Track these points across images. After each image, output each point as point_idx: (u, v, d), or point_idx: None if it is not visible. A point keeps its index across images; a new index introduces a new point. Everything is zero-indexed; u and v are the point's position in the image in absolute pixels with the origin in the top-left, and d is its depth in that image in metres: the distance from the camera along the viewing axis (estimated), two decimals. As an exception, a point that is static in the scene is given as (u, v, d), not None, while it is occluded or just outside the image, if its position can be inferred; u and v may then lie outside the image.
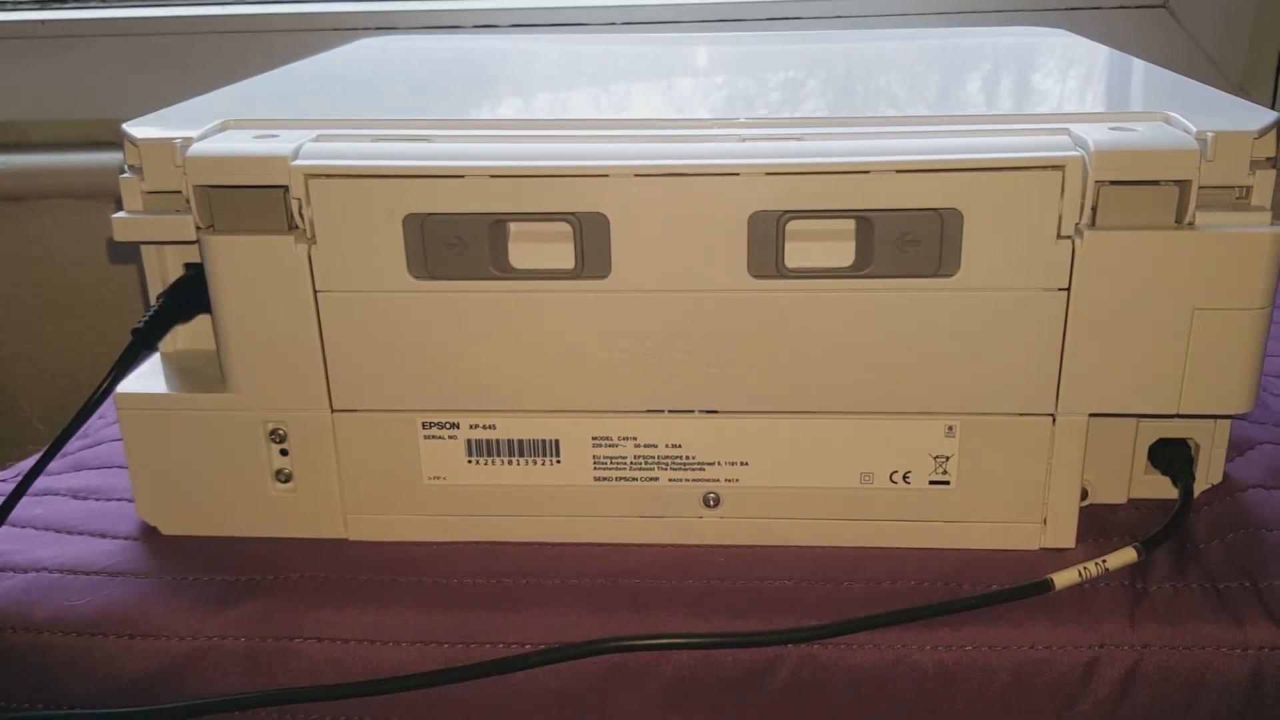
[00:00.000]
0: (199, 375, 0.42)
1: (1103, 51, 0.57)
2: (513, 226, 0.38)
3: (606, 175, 0.36)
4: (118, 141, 0.40)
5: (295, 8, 0.85)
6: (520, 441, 0.41)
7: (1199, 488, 0.42)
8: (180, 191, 0.38)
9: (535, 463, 0.41)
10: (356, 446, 0.41)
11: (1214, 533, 0.41)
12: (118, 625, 0.39)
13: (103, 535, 0.43)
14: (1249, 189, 0.37)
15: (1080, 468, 0.40)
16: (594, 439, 0.40)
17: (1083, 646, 0.37)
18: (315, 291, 0.39)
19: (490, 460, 0.41)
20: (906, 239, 0.37)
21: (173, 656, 0.38)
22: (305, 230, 0.38)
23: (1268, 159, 0.36)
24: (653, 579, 0.40)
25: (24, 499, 0.42)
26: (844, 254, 0.38)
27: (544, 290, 0.38)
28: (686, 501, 0.41)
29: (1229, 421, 0.42)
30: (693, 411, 0.40)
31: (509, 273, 0.38)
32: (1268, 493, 0.43)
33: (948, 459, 0.40)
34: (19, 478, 0.41)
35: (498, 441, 0.41)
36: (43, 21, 0.85)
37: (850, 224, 0.37)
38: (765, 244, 0.37)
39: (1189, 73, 0.49)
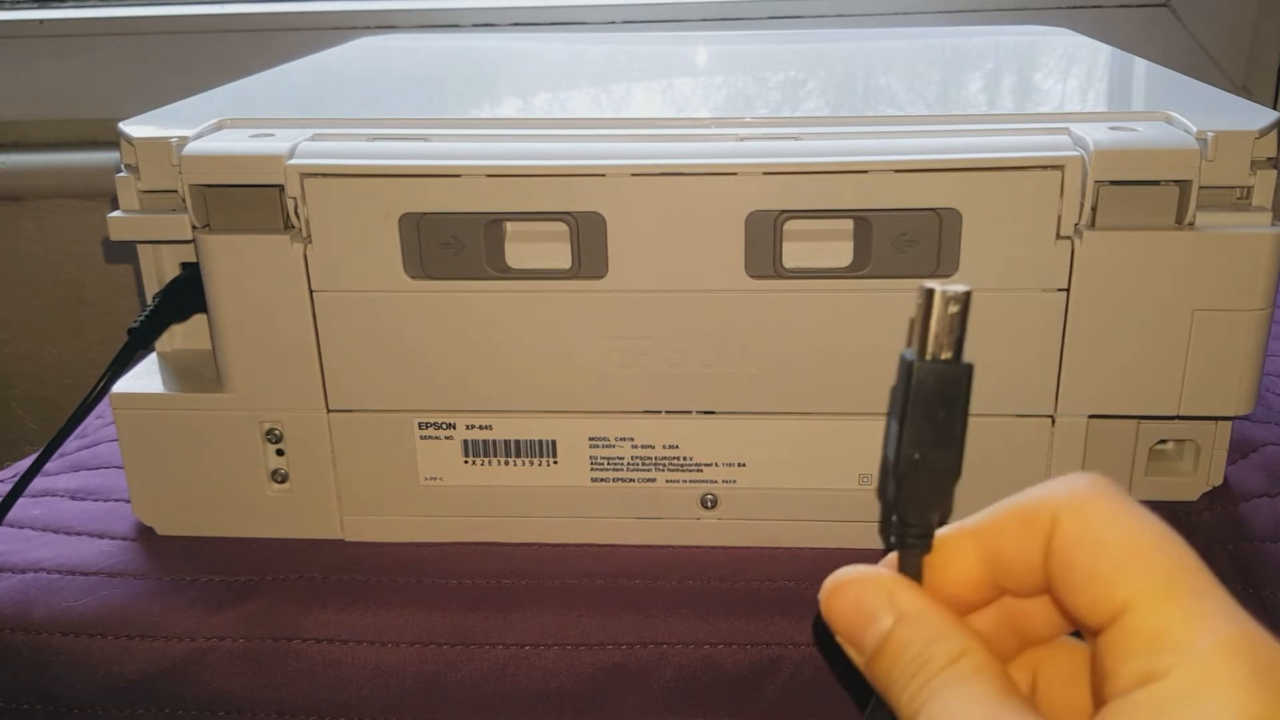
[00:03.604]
0: (195, 375, 0.42)
1: (1104, 50, 0.57)
2: (509, 226, 0.38)
3: (603, 175, 0.36)
4: (116, 141, 0.40)
5: (294, 7, 0.85)
6: (517, 442, 0.40)
7: (1200, 490, 0.42)
8: (176, 191, 0.38)
9: (532, 463, 0.41)
10: (352, 447, 0.41)
11: (1216, 540, 0.41)
12: (116, 626, 0.39)
13: (101, 536, 0.43)
14: (1250, 189, 0.37)
15: (1080, 470, 0.39)
16: (591, 439, 0.40)
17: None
18: (311, 291, 0.38)
19: (487, 461, 0.41)
20: (905, 239, 0.37)
21: (171, 657, 0.38)
22: (301, 230, 0.38)
23: (1269, 159, 0.36)
24: (653, 579, 0.40)
25: (21, 499, 0.42)
26: (842, 254, 0.38)
27: (540, 290, 0.38)
28: (684, 503, 0.41)
29: (1230, 423, 0.42)
30: (690, 412, 0.40)
31: (505, 273, 0.38)
32: (1272, 501, 0.42)
33: (947, 460, 0.40)
34: (16, 478, 0.41)
35: (494, 442, 0.41)
36: (42, 21, 0.85)
37: (848, 224, 0.37)
38: (763, 244, 0.37)
39: (1190, 72, 0.48)
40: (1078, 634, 0.23)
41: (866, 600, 0.22)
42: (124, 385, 0.41)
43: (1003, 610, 0.23)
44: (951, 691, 0.20)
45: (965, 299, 0.21)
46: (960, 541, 0.22)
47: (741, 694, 0.37)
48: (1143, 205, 0.36)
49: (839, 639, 0.23)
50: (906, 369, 0.22)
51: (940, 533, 0.23)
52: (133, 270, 0.86)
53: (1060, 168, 0.36)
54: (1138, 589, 0.19)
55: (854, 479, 0.40)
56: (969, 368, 0.22)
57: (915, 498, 0.22)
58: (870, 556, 0.40)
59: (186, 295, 0.41)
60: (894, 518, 0.23)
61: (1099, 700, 0.20)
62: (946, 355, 0.22)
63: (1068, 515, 0.21)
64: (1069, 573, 0.20)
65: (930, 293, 0.21)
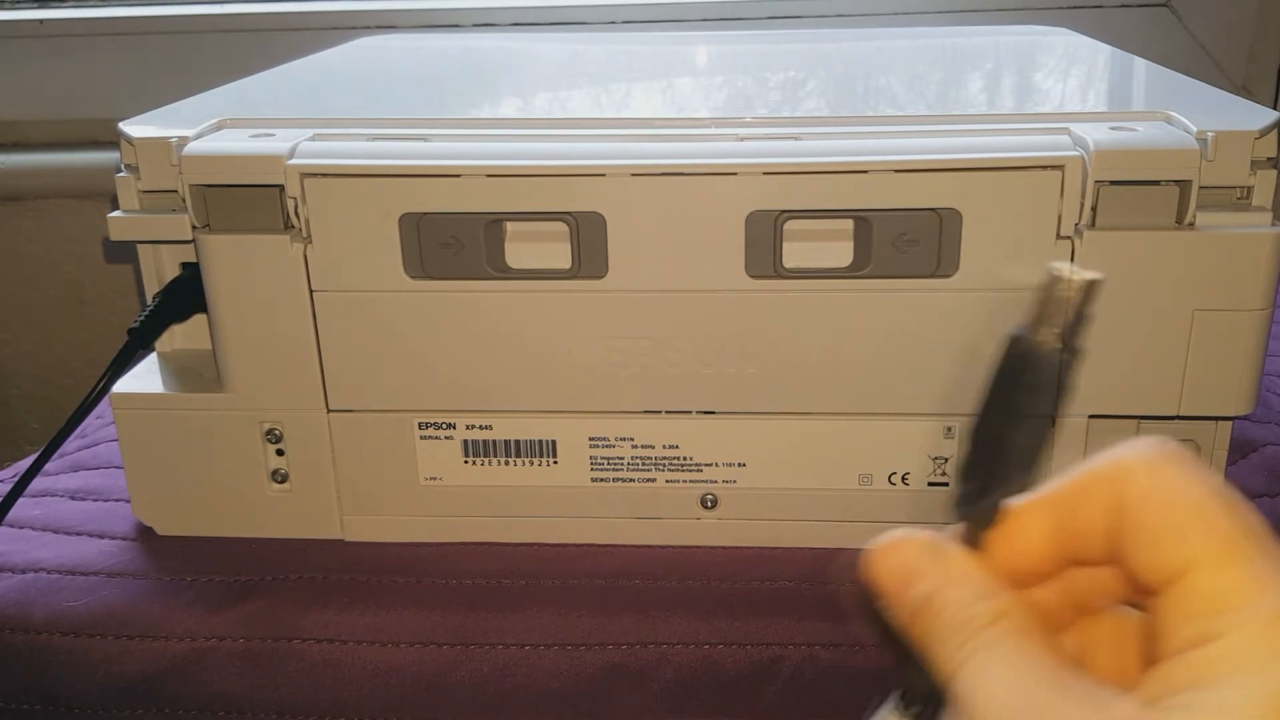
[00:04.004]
0: (195, 375, 0.42)
1: (1104, 50, 0.57)
2: (509, 226, 0.38)
3: (603, 175, 0.36)
4: (116, 141, 0.40)
5: (294, 7, 0.84)
6: (517, 442, 0.40)
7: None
8: (176, 191, 0.38)
9: (532, 463, 0.41)
10: (352, 447, 0.41)
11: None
12: (116, 626, 0.39)
13: (101, 536, 0.43)
14: (1250, 189, 0.37)
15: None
16: (591, 439, 0.40)
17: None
18: (311, 291, 0.38)
19: (487, 461, 0.41)
20: (905, 239, 0.37)
21: (171, 657, 0.38)
22: (301, 230, 0.38)
23: (1269, 159, 0.36)
24: (652, 579, 0.40)
25: (21, 499, 0.42)
26: (842, 254, 0.38)
27: (540, 290, 0.38)
28: (684, 502, 0.41)
29: (1230, 423, 0.42)
30: (690, 412, 0.40)
31: (505, 272, 0.38)
32: (1272, 501, 0.42)
33: (947, 460, 0.40)
34: (16, 478, 0.41)
35: (494, 442, 0.41)
36: (42, 21, 0.85)
37: (848, 224, 0.37)
38: (763, 244, 0.37)
39: (1191, 72, 0.48)
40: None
41: (911, 561, 0.22)
42: (124, 385, 0.41)
43: (1065, 581, 0.23)
44: (990, 651, 0.20)
45: (1080, 286, 0.20)
46: (1031, 512, 0.22)
47: (741, 694, 0.37)
48: (1143, 205, 0.36)
49: (883, 599, 0.23)
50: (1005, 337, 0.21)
51: (1013, 503, 0.23)
52: (133, 270, 0.86)
53: (1060, 168, 0.36)
54: (1201, 549, 0.19)
55: (854, 479, 0.40)
56: (1059, 357, 0.21)
57: (974, 465, 0.22)
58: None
59: (186, 295, 0.41)
60: (961, 489, 0.23)
61: (1151, 661, 0.20)
62: (1045, 337, 0.21)
63: (1139, 475, 0.20)
64: (1135, 530, 0.20)
65: (1050, 270, 0.21)
